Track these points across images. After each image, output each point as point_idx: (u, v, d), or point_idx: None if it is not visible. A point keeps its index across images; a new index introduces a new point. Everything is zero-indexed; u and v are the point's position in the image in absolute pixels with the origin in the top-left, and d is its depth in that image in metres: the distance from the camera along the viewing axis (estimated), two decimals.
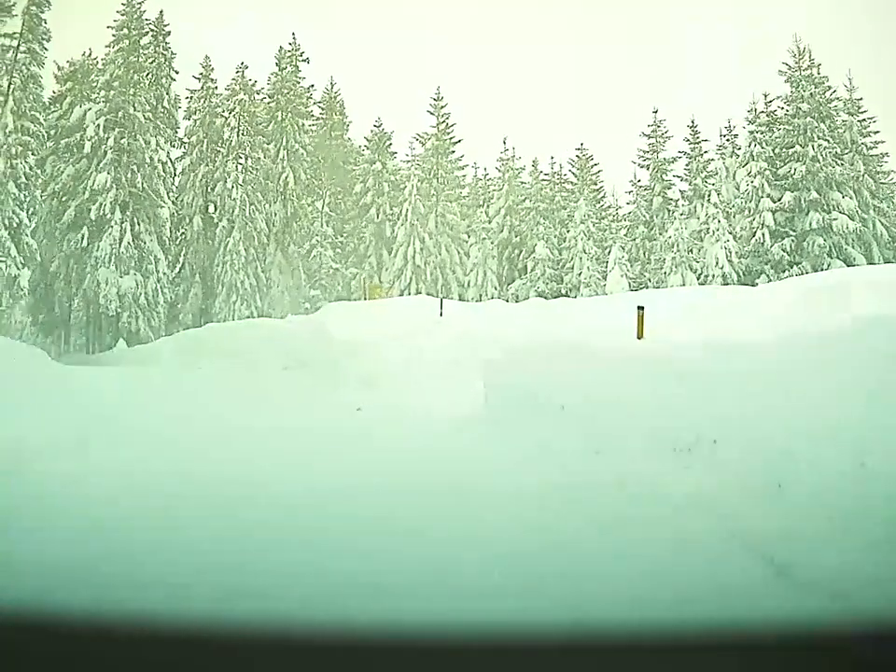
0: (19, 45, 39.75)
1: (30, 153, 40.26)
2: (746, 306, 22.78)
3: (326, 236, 53.60)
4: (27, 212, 42.66)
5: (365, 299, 44.99)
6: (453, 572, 5.51)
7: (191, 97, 50.73)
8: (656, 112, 58.10)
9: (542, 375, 13.75)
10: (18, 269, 38.12)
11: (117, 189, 43.07)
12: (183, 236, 49.47)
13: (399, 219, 57.29)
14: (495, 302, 39.24)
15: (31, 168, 40.26)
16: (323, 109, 59.47)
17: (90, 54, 47.48)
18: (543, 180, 63.73)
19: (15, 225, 38.33)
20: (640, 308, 17.22)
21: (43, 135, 42.33)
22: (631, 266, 55.41)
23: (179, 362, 30.65)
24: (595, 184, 64.83)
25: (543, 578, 5.29)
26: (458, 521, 7.14)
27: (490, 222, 61.05)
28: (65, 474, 9.97)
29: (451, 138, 60.56)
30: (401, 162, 60.53)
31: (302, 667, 2.93)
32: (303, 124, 54.25)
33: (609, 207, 64.26)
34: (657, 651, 2.96)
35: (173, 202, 47.06)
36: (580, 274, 57.10)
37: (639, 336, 16.60)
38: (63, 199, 44.44)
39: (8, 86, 38.66)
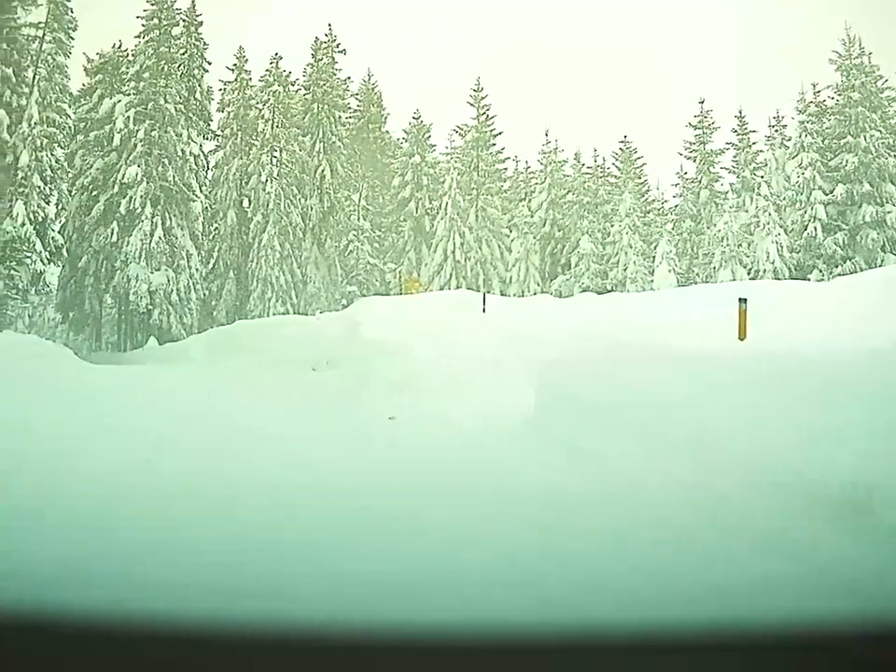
0: (44, 35, 37.98)
1: (56, 145, 38.35)
2: (829, 303, 20.01)
3: (363, 231, 51.27)
4: (57, 207, 40.85)
5: (401, 293, 41.98)
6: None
7: (225, 89, 48.77)
8: (702, 102, 55.72)
9: (611, 382, 11.59)
10: (43, 264, 36.26)
11: (147, 183, 41.14)
12: (216, 231, 47.64)
13: (438, 213, 54.79)
14: (542, 297, 35.96)
15: (57, 161, 38.34)
16: (360, 101, 57.21)
17: (119, 46, 45.71)
18: (586, 173, 61.06)
19: (40, 219, 36.41)
20: (742, 301, 13.89)
21: (70, 127, 40.56)
22: (679, 261, 52.87)
23: (206, 361, 29.68)
24: (639, 177, 62.22)
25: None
26: (492, 537, 6.40)
27: (532, 216, 58.49)
28: (69, 473, 9.78)
29: (491, 130, 58.05)
30: (441, 155, 58.02)
31: (303, 667, 2.83)
32: (340, 116, 51.95)
33: (654, 201, 61.67)
34: (657, 651, 2.85)
35: (206, 196, 45.16)
36: (625, 269, 54.65)
37: (741, 336, 13.50)
38: (92, 193, 42.56)
39: (34, 76, 36.70)
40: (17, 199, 35.31)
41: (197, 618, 3.28)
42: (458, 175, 54.97)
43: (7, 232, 34.95)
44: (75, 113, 43.38)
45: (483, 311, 26.83)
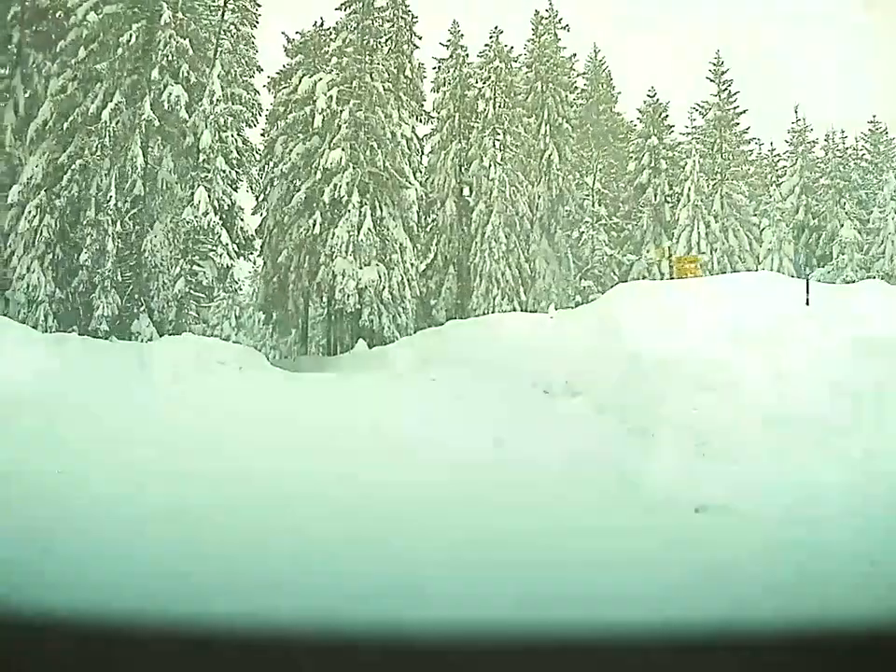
0: (226, 3, 30.23)
1: (244, 125, 30.62)
2: None
3: (598, 217, 41.70)
4: (258, 196, 33.59)
5: (672, 278, 30.87)
6: None
7: (439, 67, 40.22)
8: None
9: None
10: (231, 259, 28.47)
11: (354, 169, 32.98)
12: (434, 222, 39.44)
13: (679, 201, 44.47)
14: (871, 283, 23.34)
15: (245, 142, 30.81)
16: (588, 80, 47.67)
17: (321, 24, 37.72)
18: (837, 156, 50.40)
19: (226, 208, 28.75)
20: None
21: (258, 105, 32.74)
22: None
23: (409, 369, 23.04)
24: (889, 160, 50.69)
25: None
26: None
27: (784, 202, 47.86)
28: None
29: (734, 108, 47.29)
30: (680, 135, 47.69)
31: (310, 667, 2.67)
32: (566, 96, 42.75)
33: None
34: (659, 651, 2.73)
35: (420, 183, 36.67)
36: (893, 260, 44.54)
37: None
38: (292, 180, 34.65)
39: (215, 49, 29.08)
40: (198, 184, 27.71)
41: (197, 618, 3.17)
42: (700, 157, 44.64)
43: (188, 222, 27.41)
44: (275, 97, 36.07)
45: (807, 303, 16.04)
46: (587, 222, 41.45)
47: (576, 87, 45.73)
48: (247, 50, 32.82)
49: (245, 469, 10.25)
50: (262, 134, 36.00)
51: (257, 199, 35.36)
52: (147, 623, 2.90)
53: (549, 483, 9.64)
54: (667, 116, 46.55)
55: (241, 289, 31.96)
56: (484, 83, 39.23)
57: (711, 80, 46.80)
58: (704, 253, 41.63)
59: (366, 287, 32.41)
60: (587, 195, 42.13)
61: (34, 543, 6.29)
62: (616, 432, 11.39)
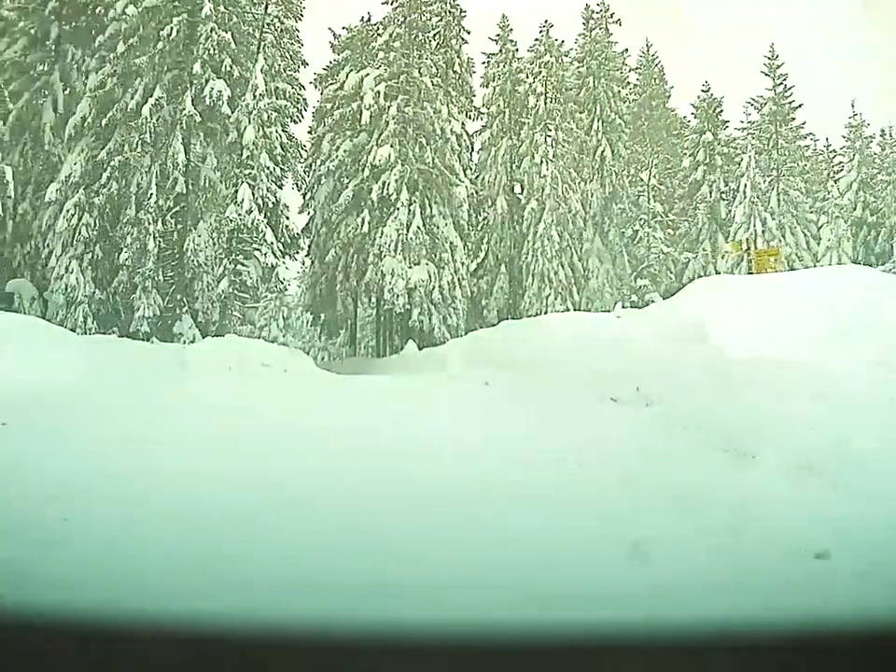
0: None
1: (288, 120, 28.99)
2: None
3: (654, 215, 39.59)
4: (304, 194, 31.98)
5: (751, 272, 28.35)
6: None
7: (488, 62, 38.39)
8: None
9: None
10: (276, 258, 26.81)
11: (402, 165, 31.30)
12: (485, 220, 37.50)
13: (735, 197, 42.14)
14: None
15: (290, 138, 29.15)
16: (640, 75, 45.48)
17: (368, 19, 36.07)
18: (894, 151, 49.23)
19: (271, 205, 27.13)
20: None
21: (303, 100, 31.14)
22: None
23: (461, 372, 20.87)
24: None
25: None
26: None
27: (841, 198, 45.51)
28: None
29: (790, 102, 44.85)
30: (735, 131, 45.27)
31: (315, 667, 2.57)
32: (619, 91, 40.80)
33: None
34: (657, 651, 2.61)
35: (471, 180, 34.82)
36: None
37: None
38: (339, 177, 32.98)
39: (259, 42, 27.49)
40: (242, 181, 26.13)
41: (200, 617, 2.95)
42: (756, 153, 42.33)
43: (231, 220, 25.84)
44: (322, 93, 34.52)
45: None
46: (642, 220, 39.43)
47: (628, 82, 43.79)
48: (291, 44, 31.32)
49: (274, 472, 8.91)
50: (309, 132, 34.57)
51: (304, 197, 33.83)
52: (147, 623, 2.71)
53: (619, 505, 7.68)
54: (722, 111, 44.30)
55: (287, 290, 30.48)
56: (535, 78, 37.34)
57: (766, 74, 44.64)
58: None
59: (415, 286, 30.70)
60: (641, 191, 40.10)
61: (35, 543, 5.76)
62: (702, 450, 9.32)
